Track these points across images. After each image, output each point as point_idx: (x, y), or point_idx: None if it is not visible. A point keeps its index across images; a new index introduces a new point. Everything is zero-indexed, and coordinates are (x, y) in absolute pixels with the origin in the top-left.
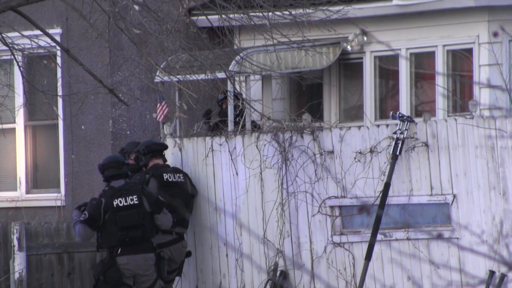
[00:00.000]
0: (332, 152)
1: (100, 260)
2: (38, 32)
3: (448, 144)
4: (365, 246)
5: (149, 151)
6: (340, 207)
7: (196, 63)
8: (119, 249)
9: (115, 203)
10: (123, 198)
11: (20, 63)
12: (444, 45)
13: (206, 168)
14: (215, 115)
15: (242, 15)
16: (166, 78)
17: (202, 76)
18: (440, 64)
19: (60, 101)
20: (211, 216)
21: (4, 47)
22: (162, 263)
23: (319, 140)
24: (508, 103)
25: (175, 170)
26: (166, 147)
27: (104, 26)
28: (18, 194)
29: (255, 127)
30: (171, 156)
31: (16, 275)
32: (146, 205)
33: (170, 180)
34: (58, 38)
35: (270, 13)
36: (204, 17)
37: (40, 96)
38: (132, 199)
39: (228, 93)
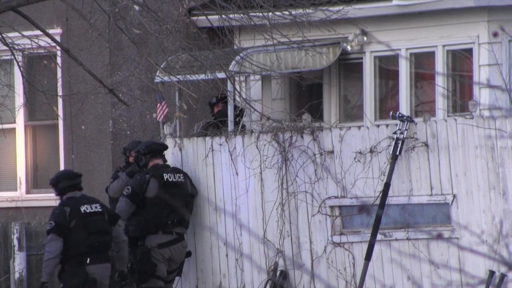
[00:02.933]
0: (332, 152)
1: (61, 270)
2: (38, 32)
3: (448, 144)
4: (365, 246)
5: (149, 151)
6: (340, 207)
7: (196, 63)
8: (88, 259)
9: (82, 209)
10: (89, 205)
11: (20, 63)
12: (444, 45)
13: (206, 168)
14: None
15: (242, 15)
16: (166, 78)
17: (202, 76)
18: (440, 64)
19: (60, 101)
20: (211, 216)
21: (4, 47)
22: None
23: (319, 140)
24: (508, 103)
25: (175, 170)
26: (166, 147)
27: (104, 26)
28: (18, 194)
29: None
30: (171, 156)
31: (16, 275)
32: (106, 215)
33: (171, 180)
34: (58, 38)
35: (270, 13)
36: (204, 17)
37: (40, 96)
38: (96, 207)
39: (228, 93)
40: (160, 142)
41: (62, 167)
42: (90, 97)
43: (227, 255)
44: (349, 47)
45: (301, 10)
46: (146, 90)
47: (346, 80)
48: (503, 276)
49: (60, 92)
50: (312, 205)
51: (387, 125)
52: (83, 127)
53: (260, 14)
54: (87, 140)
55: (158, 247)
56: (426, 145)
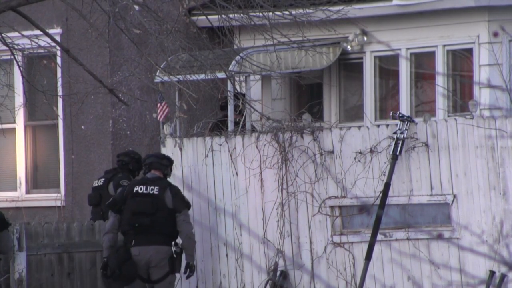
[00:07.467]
0: (332, 152)
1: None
2: (38, 32)
3: (448, 144)
4: (365, 246)
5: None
6: (340, 207)
7: (196, 63)
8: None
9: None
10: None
11: (20, 63)
12: (444, 45)
13: (206, 168)
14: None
15: (242, 15)
16: (166, 78)
17: (202, 76)
18: (440, 64)
19: (60, 101)
20: (211, 216)
21: (4, 47)
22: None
23: (319, 140)
24: (508, 103)
25: None
26: None
27: (104, 26)
28: (18, 194)
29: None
30: (171, 156)
31: (16, 275)
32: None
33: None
34: (58, 38)
35: (270, 13)
36: (204, 17)
37: (40, 96)
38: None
39: (228, 93)
40: None
41: (62, 167)
42: (90, 97)
43: (227, 255)
44: (349, 47)
45: (301, 10)
46: (146, 90)
47: (346, 80)
48: (503, 276)
49: (60, 92)
50: (312, 205)
51: (387, 125)
52: (83, 127)
53: (260, 14)
54: (87, 140)
55: None
56: (427, 145)
